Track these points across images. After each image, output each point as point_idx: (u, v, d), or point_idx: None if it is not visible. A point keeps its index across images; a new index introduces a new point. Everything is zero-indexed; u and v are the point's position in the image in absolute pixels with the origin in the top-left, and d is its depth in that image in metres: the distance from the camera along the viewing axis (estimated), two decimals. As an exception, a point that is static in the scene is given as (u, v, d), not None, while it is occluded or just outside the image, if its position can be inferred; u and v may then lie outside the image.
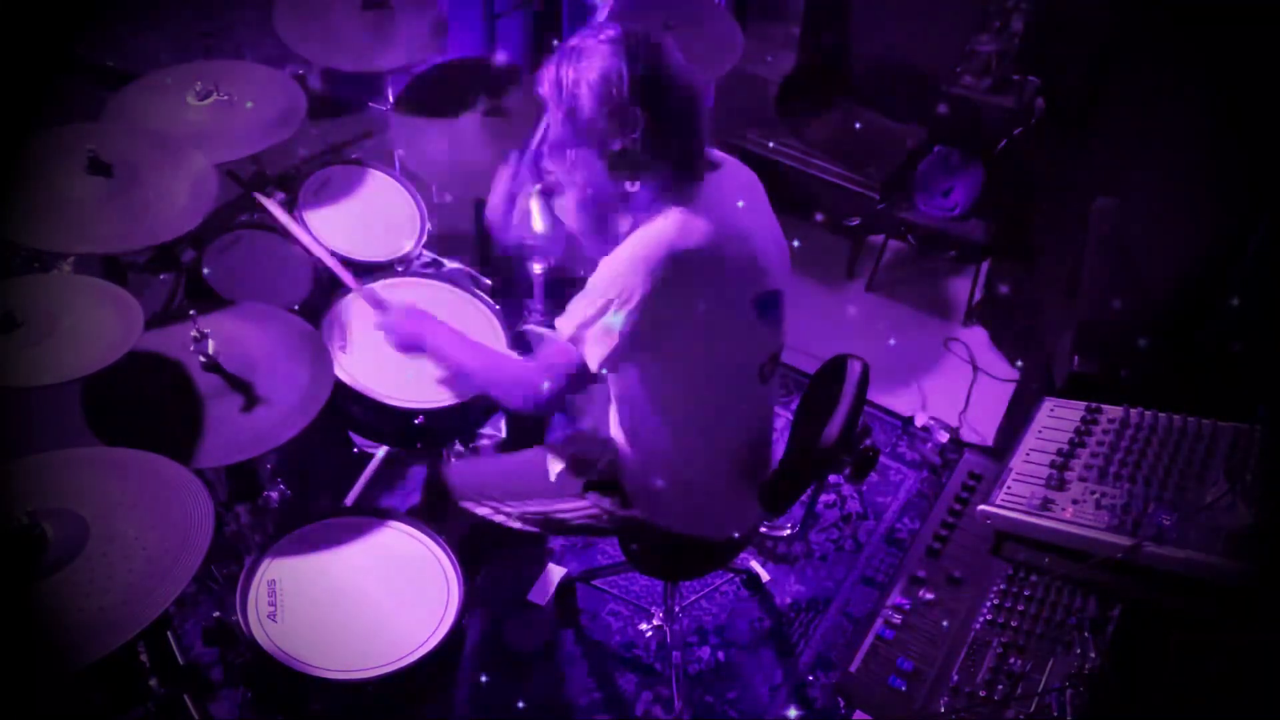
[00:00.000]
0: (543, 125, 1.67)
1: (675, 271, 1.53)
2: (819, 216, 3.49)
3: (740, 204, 1.67)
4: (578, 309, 1.59)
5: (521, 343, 2.18)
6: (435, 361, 1.89)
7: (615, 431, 1.83)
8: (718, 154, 1.70)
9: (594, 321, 1.56)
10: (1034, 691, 1.38)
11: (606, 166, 1.56)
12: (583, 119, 1.53)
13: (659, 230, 1.55)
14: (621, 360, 1.60)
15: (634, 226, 1.66)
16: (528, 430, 2.37)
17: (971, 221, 3.30)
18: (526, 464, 1.97)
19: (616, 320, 1.53)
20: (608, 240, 1.71)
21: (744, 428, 1.81)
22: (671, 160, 1.58)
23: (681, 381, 1.68)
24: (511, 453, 2.08)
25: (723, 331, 1.64)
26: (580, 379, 1.63)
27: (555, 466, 1.92)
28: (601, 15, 2.68)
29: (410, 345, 1.87)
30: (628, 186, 1.58)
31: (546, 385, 1.64)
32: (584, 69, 1.52)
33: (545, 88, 1.57)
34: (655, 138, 1.53)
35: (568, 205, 1.69)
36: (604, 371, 1.61)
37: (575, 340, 1.59)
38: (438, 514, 1.98)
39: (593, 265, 1.63)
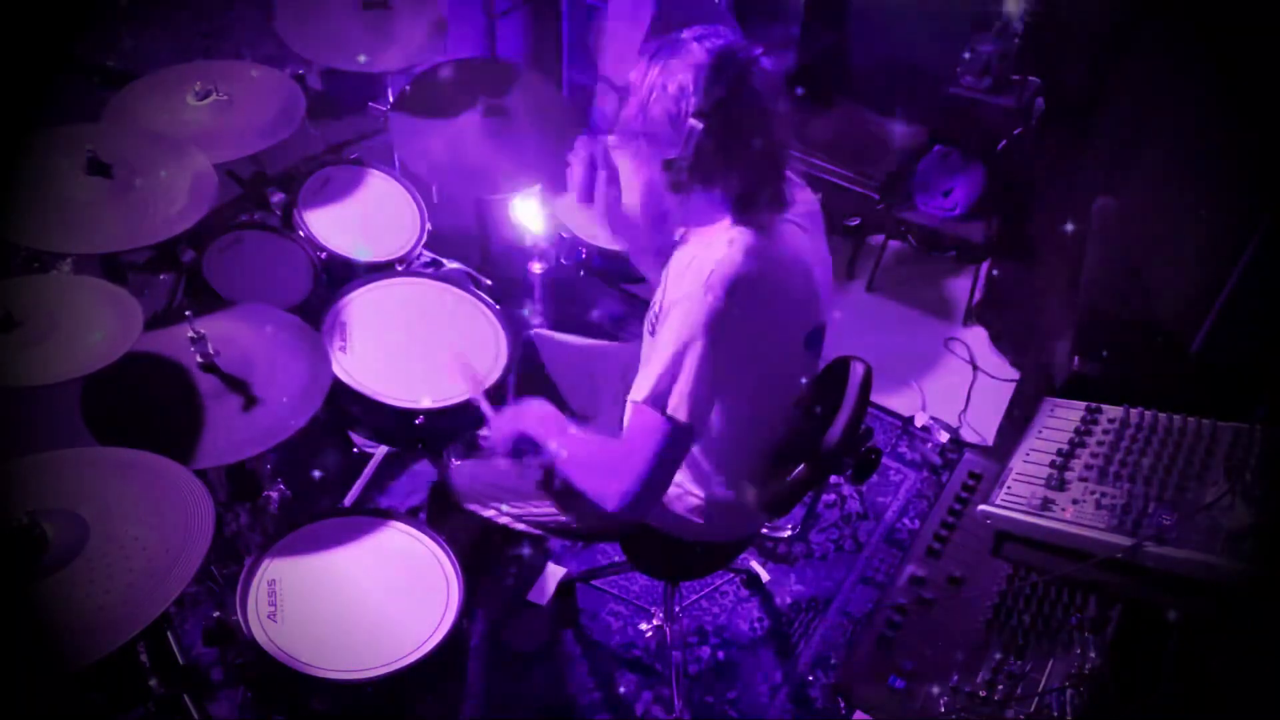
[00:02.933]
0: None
1: (737, 300, 1.48)
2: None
3: (807, 232, 1.65)
4: (652, 366, 1.51)
5: (528, 349, 2.17)
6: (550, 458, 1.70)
7: None
8: (790, 176, 1.65)
9: (674, 373, 1.49)
10: (1034, 691, 1.38)
11: (662, 170, 1.53)
12: (650, 117, 1.50)
13: (719, 259, 1.50)
14: (709, 402, 1.52)
15: (685, 236, 1.64)
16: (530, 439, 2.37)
17: (971, 221, 3.30)
18: (530, 466, 1.96)
19: (692, 362, 1.48)
20: (656, 235, 1.69)
21: (770, 449, 1.81)
22: (732, 190, 1.54)
23: (726, 410, 1.65)
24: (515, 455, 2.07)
25: (774, 362, 1.63)
26: (670, 450, 1.52)
27: None
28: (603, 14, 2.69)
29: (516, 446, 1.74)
30: (678, 196, 1.54)
31: (638, 468, 1.51)
32: (671, 68, 1.48)
33: (634, 74, 1.53)
34: (712, 164, 1.49)
35: (629, 192, 1.66)
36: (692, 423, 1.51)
37: (656, 399, 1.50)
38: (443, 516, 1.98)
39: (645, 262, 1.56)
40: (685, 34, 1.51)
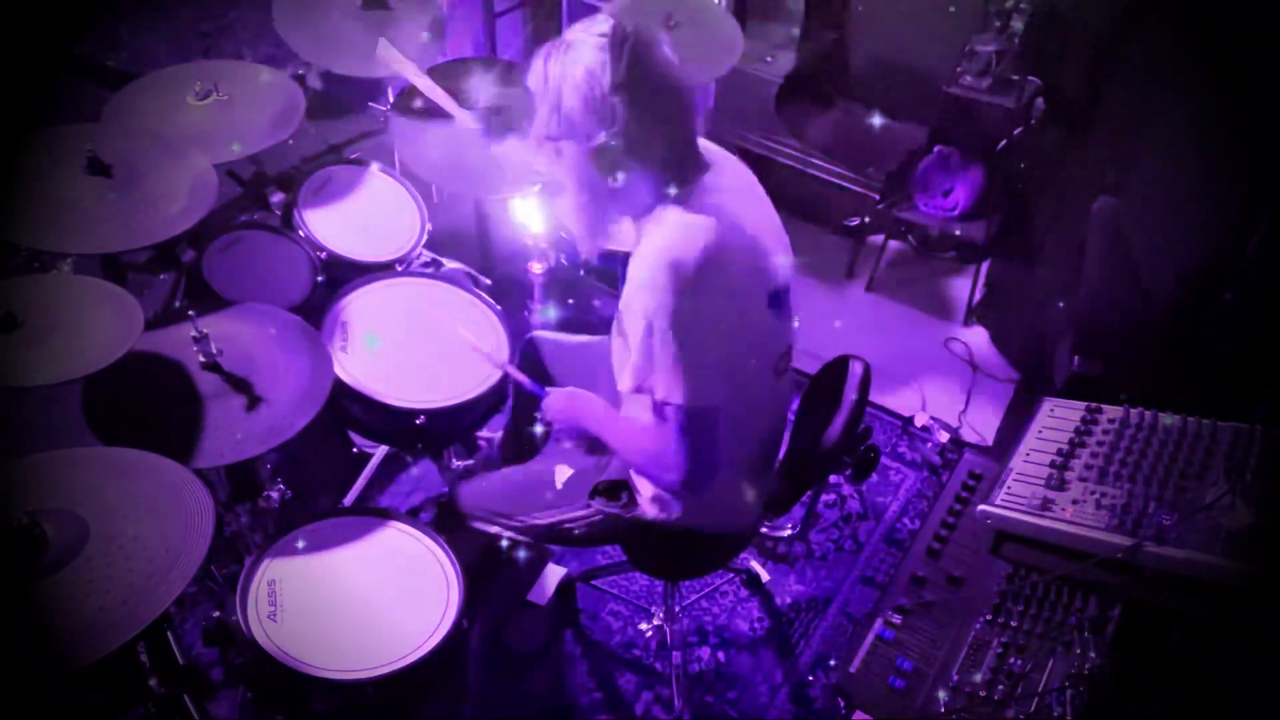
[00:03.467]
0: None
1: (686, 280, 1.51)
2: (819, 216, 3.49)
3: (740, 200, 1.67)
4: (631, 361, 1.57)
5: (530, 349, 2.18)
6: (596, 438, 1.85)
7: None
8: (713, 150, 1.69)
9: (656, 369, 1.54)
10: (1034, 691, 1.38)
11: (590, 162, 1.55)
12: (566, 112, 1.52)
13: (660, 246, 1.54)
14: (702, 378, 1.56)
15: (638, 232, 1.66)
16: (527, 432, 2.38)
17: (971, 221, 3.30)
18: (532, 476, 1.97)
19: (668, 350, 1.52)
20: (601, 239, 1.71)
21: (761, 422, 1.81)
22: (658, 158, 1.56)
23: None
24: (517, 465, 2.07)
25: (742, 329, 1.64)
26: (694, 424, 1.58)
27: (562, 476, 1.92)
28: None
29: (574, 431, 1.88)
30: (611, 182, 1.57)
31: (673, 459, 1.60)
32: (569, 62, 1.51)
33: (532, 80, 1.57)
34: (638, 134, 1.52)
35: (563, 202, 1.68)
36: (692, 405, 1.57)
37: (652, 394, 1.56)
38: (451, 534, 1.98)
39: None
40: (568, 33, 1.55)
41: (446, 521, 2.02)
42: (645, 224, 1.62)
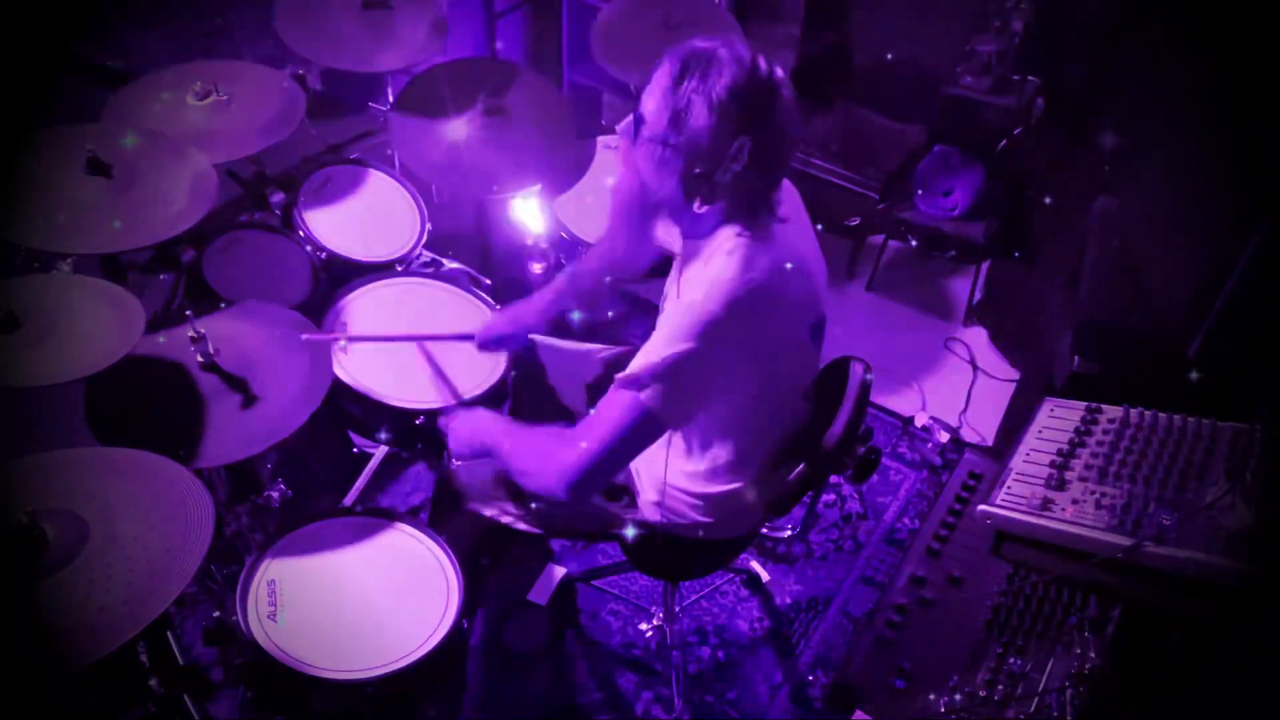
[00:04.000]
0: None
1: (734, 310, 1.49)
2: (819, 216, 3.49)
3: (797, 229, 1.65)
4: (641, 357, 1.52)
5: (528, 353, 2.17)
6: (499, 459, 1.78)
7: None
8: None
9: (659, 369, 1.50)
10: (1034, 691, 1.38)
11: (684, 181, 1.52)
12: (689, 127, 1.48)
13: (723, 273, 1.51)
14: (690, 406, 1.55)
15: (687, 250, 1.64)
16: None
17: (971, 221, 3.30)
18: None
19: (680, 364, 1.49)
20: (636, 239, 1.70)
21: (782, 445, 1.81)
22: (749, 196, 1.54)
23: (738, 408, 1.66)
24: None
25: (784, 361, 1.64)
26: (641, 426, 1.53)
27: None
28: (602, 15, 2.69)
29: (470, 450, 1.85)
30: (696, 206, 1.54)
31: (597, 434, 1.54)
32: (711, 80, 1.46)
33: (661, 78, 1.51)
34: (747, 173, 1.49)
35: (618, 188, 1.64)
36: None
37: (635, 381, 1.51)
38: (447, 515, 1.98)
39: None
40: (706, 44, 1.50)
41: (443, 502, 2.02)
42: (705, 245, 1.59)
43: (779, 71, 1.51)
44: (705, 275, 1.53)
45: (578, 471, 1.56)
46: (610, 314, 2.43)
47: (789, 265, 1.57)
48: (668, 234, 1.73)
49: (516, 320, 2.10)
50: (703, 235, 1.60)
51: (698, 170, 1.49)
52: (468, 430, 1.84)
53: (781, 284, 1.55)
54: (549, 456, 1.60)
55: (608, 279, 2.05)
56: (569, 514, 1.91)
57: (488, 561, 2.12)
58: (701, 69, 1.47)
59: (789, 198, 1.68)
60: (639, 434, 1.55)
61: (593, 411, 1.60)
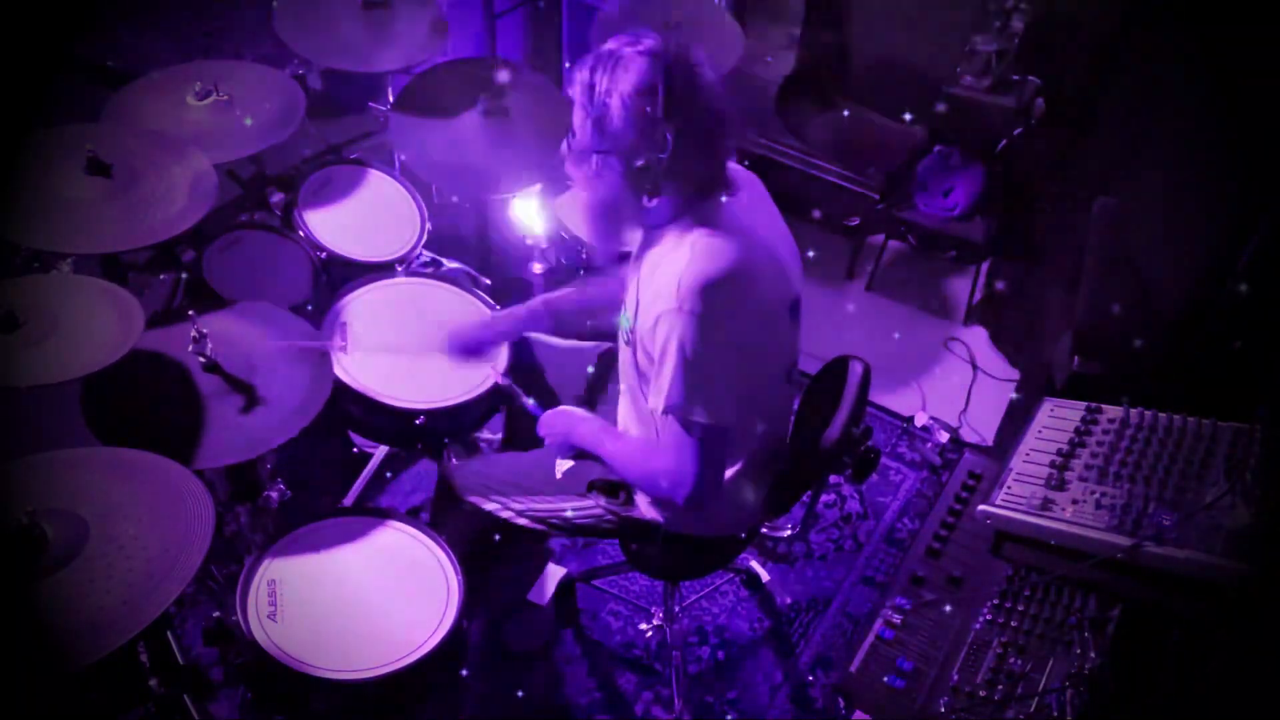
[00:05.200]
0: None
1: (713, 303, 1.52)
2: (819, 216, 3.49)
3: (758, 214, 1.67)
4: (661, 380, 1.56)
5: (524, 350, 2.17)
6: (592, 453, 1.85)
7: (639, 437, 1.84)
8: (729, 163, 1.68)
9: (685, 388, 1.54)
10: (1034, 691, 1.38)
11: (627, 180, 1.55)
12: (611, 129, 1.52)
13: (688, 267, 1.53)
14: (725, 396, 1.57)
15: (646, 239, 1.66)
16: (526, 433, 2.38)
17: (971, 221, 3.30)
18: (532, 461, 1.97)
19: (697, 371, 1.52)
20: (615, 245, 1.71)
21: (768, 431, 1.82)
22: (694, 181, 1.57)
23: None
24: (518, 451, 2.08)
25: (763, 343, 1.65)
26: (710, 442, 1.59)
27: (562, 466, 1.92)
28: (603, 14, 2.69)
29: (565, 445, 1.89)
30: (645, 201, 1.57)
31: (687, 477, 1.61)
32: (619, 79, 1.50)
33: (576, 90, 1.55)
34: (680, 158, 1.52)
35: (580, 209, 1.68)
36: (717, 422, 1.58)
37: (676, 409, 1.56)
38: (447, 510, 1.98)
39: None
40: (614, 45, 1.53)
41: (443, 498, 2.02)
42: (663, 236, 1.62)
43: (696, 54, 1.54)
44: (670, 270, 1.55)
45: (694, 500, 1.63)
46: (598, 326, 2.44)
47: (753, 249, 1.59)
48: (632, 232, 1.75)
49: (491, 325, 2.10)
50: (658, 226, 1.63)
51: (636, 165, 1.53)
52: (563, 424, 1.86)
53: (748, 268, 1.57)
54: (665, 487, 1.65)
55: (589, 322, 2.08)
56: (564, 518, 1.92)
57: (488, 559, 2.12)
58: (609, 70, 1.51)
59: (750, 185, 1.71)
60: (711, 447, 1.60)
61: (664, 441, 1.63)
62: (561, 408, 1.92)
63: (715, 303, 1.52)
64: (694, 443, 1.58)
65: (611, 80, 1.50)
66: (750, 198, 1.69)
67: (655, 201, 1.58)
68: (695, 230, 1.57)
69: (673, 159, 1.52)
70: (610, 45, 1.54)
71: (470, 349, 2.09)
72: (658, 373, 1.57)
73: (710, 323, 1.51)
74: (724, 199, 1.61)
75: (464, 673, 1.96)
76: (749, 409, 1.72)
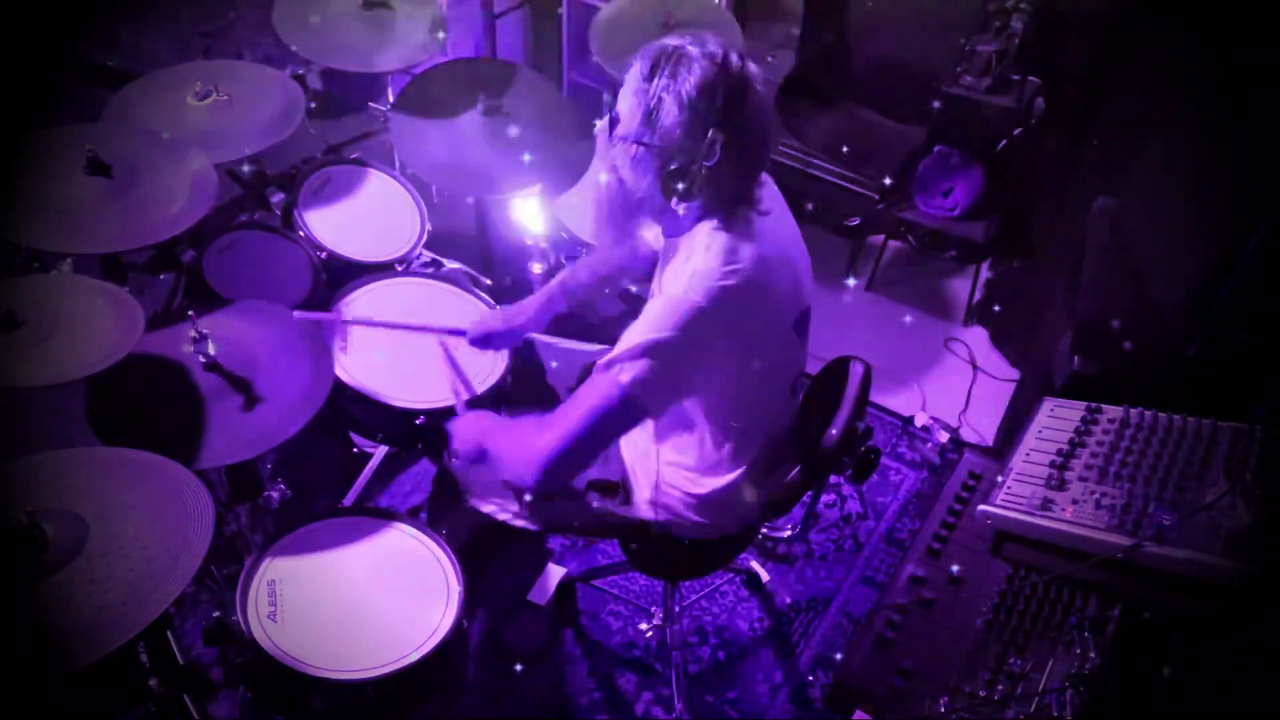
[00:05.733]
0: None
1: (718, 305, 1.50)
2: (819, 216, 3.49)
3: (778, 222, 1.65)
4: (622, 342, 1.52)
5: (526, 350, 2.17)
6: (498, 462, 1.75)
7: (638, 439, 1.83)
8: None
9: (638, 354, 1.50)
10: (1034, 691, 1.38)
11: (661, 179, 1.53)
12: (661, 125, 1.49)
13: (707, 270, 1.51)
14: (669, 394, 1.55)
15: (668, 247, 1.65)
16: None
17: (971, 221, 3.30)
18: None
19: (659, 351, 1.49)
20: (626, 240, 1.70)
21: (770, 440, 1.81)
22: (726, 193, 1.55)
23: (724, 401, 1.67)
24: None
25: (767, 355, 1.64)
26: (620, 410, 1.52)
27: None
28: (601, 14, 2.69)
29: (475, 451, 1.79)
30: (674, 204, 1.55)
31: (574, 417, 1.53)
32: (681, 77, 1.47)
33: (631, 77, 1.53)
34: (721, 168, 1.50)
35: (598, 195, 1.65)
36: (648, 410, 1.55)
37: (613, 364, 1.51)
38: (446, 511, 1.98)
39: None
40: (677, 41, 1.51)
41: (441, 499, 2.02)
42: (684, 241, 1.60)
43: (752, 67, 1.52)
44: (687, 269, 1.53)
45: (550, 456, 1.54)
46: (609, 314, 2.43)
47: (772, 258, 1.58)
48: (651, 233, 1.73)
49: (510, 320, 2.10)
50: (682, 232, 1.61)
51: (673, 167, 1.50)
52: (473, 430, 1.81)
53: (765, 277, 1.56)
54: (525, 443, 1.58)
55: (605, 290, 2.06)
56: (566, 511, 1.92)
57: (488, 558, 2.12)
58: (671, 66, 1.48)
59: (769, 192, 1.69)
60: (616, 417, 1.54)
61: (574, 395, 1.59)
62: (473, 413, 1.86)
63: (723, 308, 1.50)
64: (602, 403, 1.51)
65: (672, 76, 1.47)
66: (775, 210, 1.67)
67: (684, 206, 1.55)
68: (719, 235, 1.54)
69: (715, 168, 1.49)
70: (675, 41, 1.51)
71: (490, 339, 2.09)
72: (629, 336, 1.52)
73: (708, 323, 1.50)
74: (755, 210, 1.59)
75: (464, 673, 1.97)
76: (752, 418, 1.72)
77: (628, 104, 1.53)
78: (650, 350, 1.49)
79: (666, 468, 1.79)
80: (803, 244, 1.75)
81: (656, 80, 1.49)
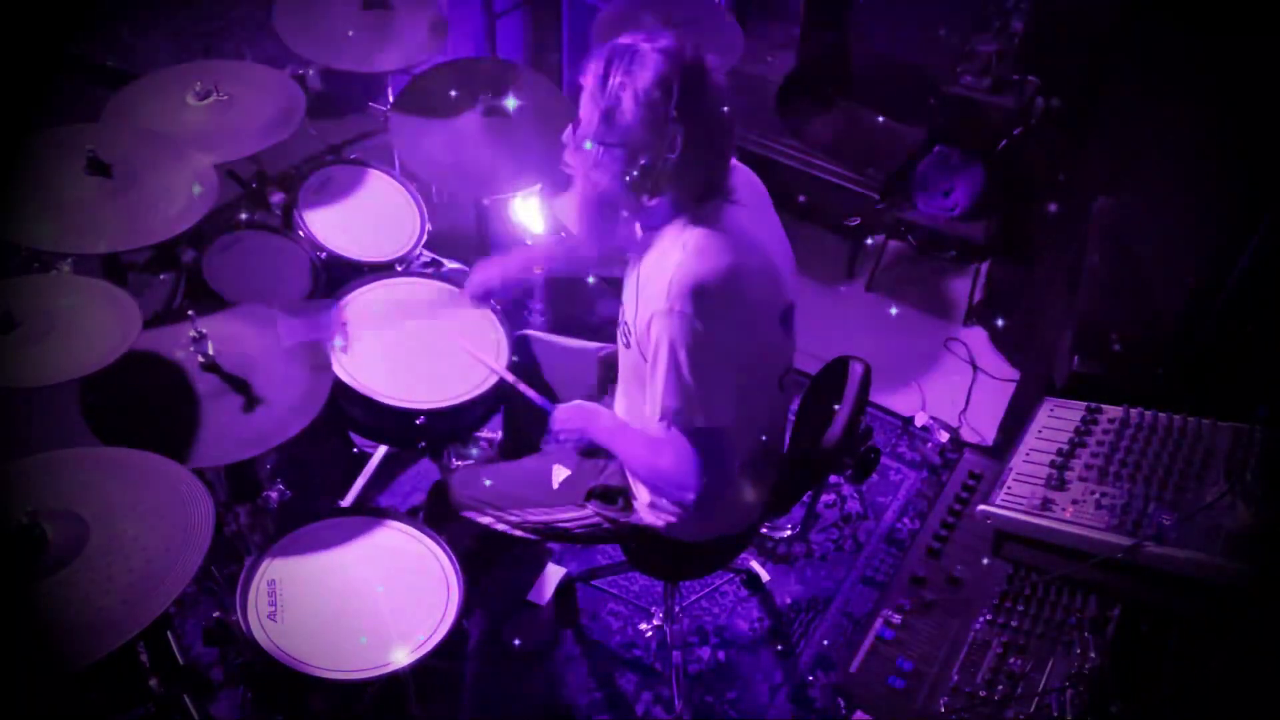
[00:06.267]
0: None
1: (703, 306, 1.51)
2: (819, 216, 3.50)
3: (756, 217, 1.66)
4: (656, 385, 1.56)
5: (523, 348, 2.17)
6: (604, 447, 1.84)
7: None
8: (731, 163, 1.68)
9: (679, 392, 1.54)
10: (1034, 691, 1.38)
11: (628, 176, 1.55)
12: (621, 123, 1.51)
13: (682, 267, 1.53)
14: (722, 398, 1.57)
15: (644, 239, 1.66)
16: (525, 433, 2.38)
17: (971, 221, 3.30)
18: (529, 472, 1.97)
19: (686, 372, 1.52)
20: (606, 240, 1.71)
21: (761, 433, 1.81)
22: (696, 183, 1.57)
23: None
24: (514, 460, 2.08)
25: (754, 349, 1.64)
26: (710, 445, 1.59)
27: (559, 475, 1.92)
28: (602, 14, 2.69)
29: (580, 441, 1.87)
30: (645, 200, 1.57)
31: (691, 479, 1.61)
32: (634, 74, 1.49)
33: (587, 80, 1.55)
34: (685, 160, 1.52)
35: (575, 199, 1.67)
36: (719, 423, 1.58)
37: (673, 414, 1.56)
38: (441, 522, 1.98)
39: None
40: (630, 40, 1.53)
41: (436, 509, 2.02)
42: (659, 237, 1.62)
43: (709, 58, 1.54)
44: (664, 270, 1.55)
45: (703, 501, 1.63)
46: (609, 314, 2.43)
47: (746, 252, 1.58)
48: (629, 230, 1.74)
49: (506, 269, 2.12)
50: (656, 226, 1.62)
51: (638, 163, 1.52)
52: (580, 419, 1.84)
53: (740, 271, 1.56)
54: (674, 488, 1.69)
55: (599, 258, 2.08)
56: (565, 521, 1.92)
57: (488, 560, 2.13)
58: (625, 64, 1.50)
59: (749, 186, 1.70)
60: (712, 450, 1.60)
61: (668, 448, 1.62)
62: (577, 402, 1.90)
63: (706, 306, 1.51)
64: (692, 447, 1.58)
65: (627, 74, 1.49)
66: (751, 202, 1.68)
67: (655, 201, 1.57)
68: (691, 231, 1.56)
69: (679, 160, 1.51)
70: (627, 39, 1.53)
71: (491, 289, 2.11)
72: (652, 376, 1.57)
73: (701, 325, 1.51)
74: (724, 203, 1.60)
75: (464, 673, 1.97)
76: (741, 414, 1.72)
77: (586, 106, 1.56)
78: (682, 379, 1.53)
79: None
80: (784, 238, 1.75)
81: (611, 80, 1.51)
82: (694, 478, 1.60)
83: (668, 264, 1.55)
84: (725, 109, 1.55)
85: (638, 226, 1.69)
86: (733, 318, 1.56)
